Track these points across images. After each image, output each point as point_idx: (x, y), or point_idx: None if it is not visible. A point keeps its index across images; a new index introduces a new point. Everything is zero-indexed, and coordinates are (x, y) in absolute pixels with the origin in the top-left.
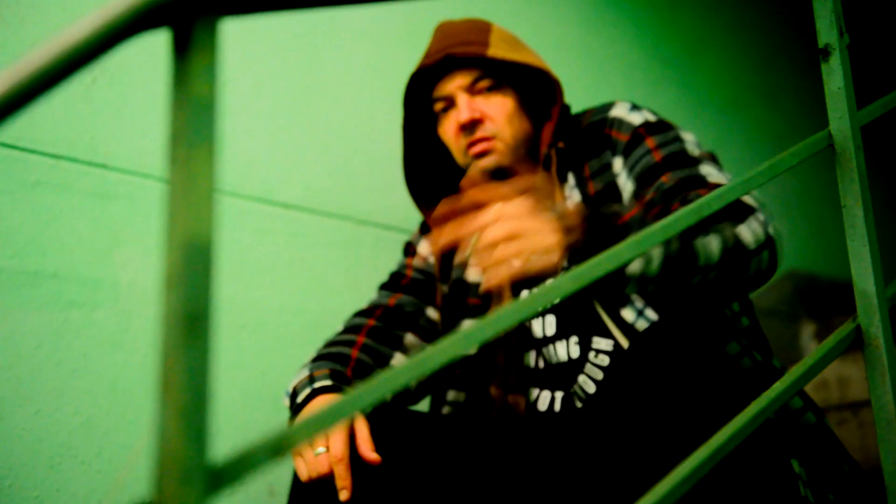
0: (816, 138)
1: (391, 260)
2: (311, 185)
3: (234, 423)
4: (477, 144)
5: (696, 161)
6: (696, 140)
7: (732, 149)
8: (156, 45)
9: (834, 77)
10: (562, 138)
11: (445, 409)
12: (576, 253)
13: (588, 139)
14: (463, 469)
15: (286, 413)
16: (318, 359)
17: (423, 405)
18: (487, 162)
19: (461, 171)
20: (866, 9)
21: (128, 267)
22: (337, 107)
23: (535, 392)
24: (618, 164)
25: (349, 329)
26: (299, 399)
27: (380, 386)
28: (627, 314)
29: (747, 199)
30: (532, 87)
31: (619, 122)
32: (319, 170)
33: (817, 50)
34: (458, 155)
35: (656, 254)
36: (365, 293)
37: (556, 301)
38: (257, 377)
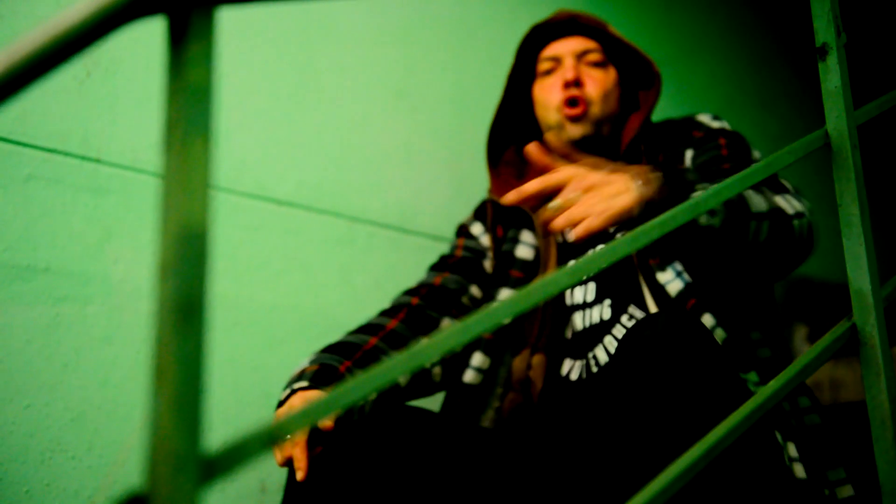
0: (813, 137)
1: (384, 257)
2: (304, 181)
3: (226, 421)
4: (573, 106)
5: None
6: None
7: None
8: (150, 41)
9: (831, 76)
10: (644, 138)
11: (468, 376)
12: (651, 205)
13: (671, 135)
14: (465, 471)
15: None
16: (326, 349)
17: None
18: (576, 128)
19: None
20: (864, 8)
21: (120, 262)
22: (331, 104)
23: (564, 363)
24: (688, 155)
25: (386, 312)
26: (281, 397)
27: (360, 385)
28: (663, 276)
29: (785, 182)
30: (632, 77)
31: (702, 124)
32: (313, 167)
33: (814, 49)
34: (551, 112)
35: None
36: (358, 290)
37: (599, 268)
38: (249, 374)
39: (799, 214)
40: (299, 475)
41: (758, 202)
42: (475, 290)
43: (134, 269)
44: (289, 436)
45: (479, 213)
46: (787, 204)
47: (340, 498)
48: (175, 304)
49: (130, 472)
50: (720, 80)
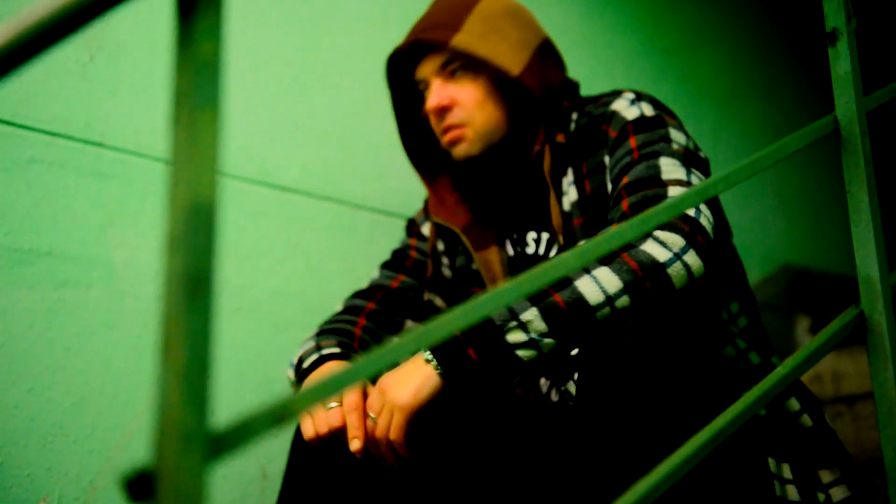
0: (822, 122)
1: (387, 245)
2: (308, 168)
3: (228, 406)
4: (448, 132)
5: (672, 162)
6: (686, 140)
7: (730, 141)
8: (153, 24)
9: (841, 61)
10: (561, 130)
11: None
12: (457, 381)
13: (588, 134)
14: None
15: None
16: (323, 333)
17: None
18: (459, 151)
19: None
20: None
21: (123, 246)
22: (335, 90)
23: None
24: (607, 161)
25: (349, 310)
26: (305, 365)
27: (385, 355)
28: None
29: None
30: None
31: (615, 118)
32: (316, 153)
33: (822, 36)
34: (439, 137)
35: (532, 315)
36: (360, 278)
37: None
38: (251, 360)
39: (683, 250)
40: (355, 445)
41: (604, 284)
42: (430, 296)
43: (137, 254)
44: (299, 412)
45: (428, 212)
46: (660, 248)
47: (340, 486)
48: (183, 278)
49: (132, 457)
50: (723, 71)
